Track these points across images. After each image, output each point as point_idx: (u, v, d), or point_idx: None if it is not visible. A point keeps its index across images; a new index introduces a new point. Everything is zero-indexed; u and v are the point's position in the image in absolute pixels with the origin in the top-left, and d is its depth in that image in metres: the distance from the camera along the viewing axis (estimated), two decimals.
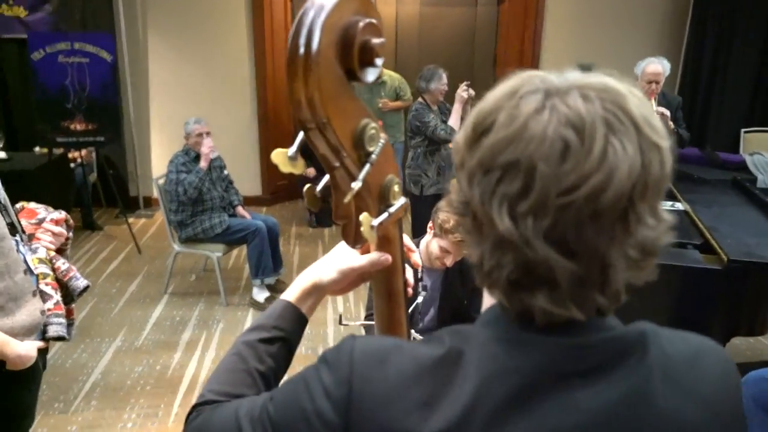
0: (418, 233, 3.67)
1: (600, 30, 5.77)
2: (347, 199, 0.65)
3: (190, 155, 3.87)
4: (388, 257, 0.77)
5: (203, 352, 3.43)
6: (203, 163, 3.82)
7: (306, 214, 5.86)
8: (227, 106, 5.96)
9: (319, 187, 0.70)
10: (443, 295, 2.26)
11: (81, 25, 5.56)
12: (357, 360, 0.59)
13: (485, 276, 0.58)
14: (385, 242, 0.75)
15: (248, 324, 3.76)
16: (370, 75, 0.62)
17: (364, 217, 0.67)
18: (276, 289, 4.12)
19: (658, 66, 3.87)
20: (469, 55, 6.29)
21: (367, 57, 0.60)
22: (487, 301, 0.64)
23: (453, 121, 3.89)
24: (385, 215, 0.69)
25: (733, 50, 5.36)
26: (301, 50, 0.59)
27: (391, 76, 5.48)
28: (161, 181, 3.97)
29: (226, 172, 4.09)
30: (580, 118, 0.52)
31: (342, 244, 0.83)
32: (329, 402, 0.58)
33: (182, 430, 0.71)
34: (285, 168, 0.65)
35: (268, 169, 6.20)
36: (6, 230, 1.66)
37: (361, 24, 0.59)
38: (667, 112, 3.75)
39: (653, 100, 3.83)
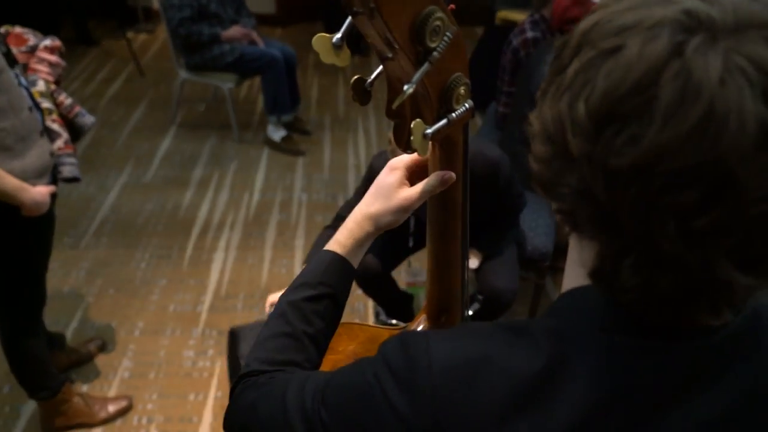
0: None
1: None
2: (395, 104, 0.59)
3: None
4: (452, 176, 0.71)
5: (216, 192, 3.51)
6: (229, 34, 3.64)
7: None
8: None
9: (369, 80, 0.63)
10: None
11: None
12: (439, 381, 0.51)
13: (619, 290, 0.48)
14: (446, 145, 0.70)
15: (263, 164, 3.80)
16: None
17: (416, 124, 0.61)
18: (294, 127, 4.09)
19: None
20: None
21: None
22: (572, 279, 0.56)
23: None
24: (443, 122, 0.63)
25: None
26: None
27: None
28: None
29: None
30: None
31: (392, 165, 0.77)
32: (405, 428, 0.52)
33: (228, 404, 0.71)
34: (327, 58, 0.58)
35: None
36: (4, 62, 1.60)
37: None
38: None
39: None
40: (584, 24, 0.47)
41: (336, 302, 0.77)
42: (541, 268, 2.55)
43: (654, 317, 0.49)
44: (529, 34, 2.88)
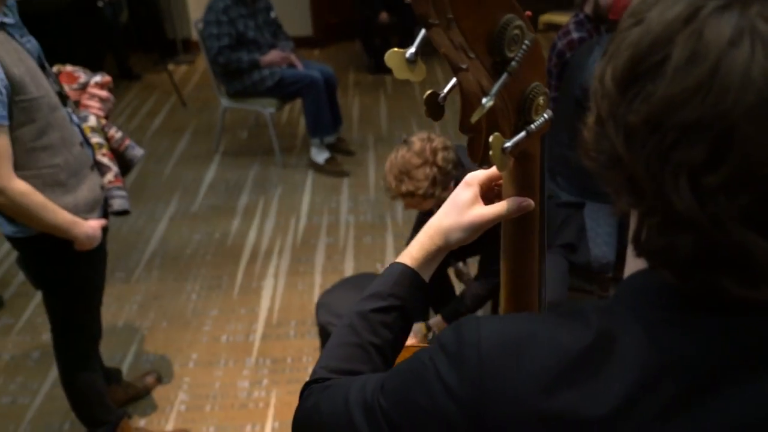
0: None
1: None
2: (474, 118, 0.58)
3: None
4: (531, 204, 0.71)
5: (263, 219, 3.55)
6: (268, 59, 3.71)
7: (365, 57, 5.66)
8: None
9: (443, 93, 0.62)
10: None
11: None
12: (486, 355, 0.54)
13: (649, 254, 0.52)
14: (523, 159, 0.68)
15: (308, 188, 3.83)
16: None
17: (494, 138, 0.59)
18: (337, 148, 4.12)
19: None
20: None
21: None
22: (633, 263, 0.57)
23: None
24: (522, 135, 0.61)
25: None
26: None
27: None
28: (201, 25, 3.85)
29: (273, 14, 3.91)
30: None
31: (467, 180, 0.76)
32: (454, 403, 0.55)
33: (296, 407, 0.72)
34: (402, 74, 0.58)
35: (319, 4, 5.91)
36: (57, 100, 1.67)
37: None
38: None
39: None
40: None
41: (405, 314, 0.78)
42: (603, 280, 2.48)
43: (688, 286, 0.50)
44: (575, 35, 2.83)
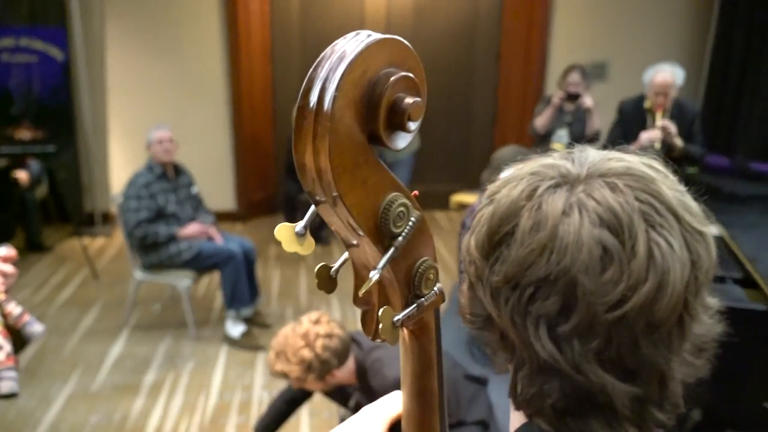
0: None
1: (614, 22, 5.76)
2: (362, 291, 0.58)
3: (155, 172, 3.76)
4: None
5: (169, 398, 3.32)
6: (187, 232, 3.76)
7: None
8: (197, 109, 5.85)
9: (334, 267, 0.62)
10: None
11: (28, 17, 5.42)
12: None
13: (524, 404, 0.57)
14: (417, 333, 0.68)
15: (221, 363, 3.65)
16: (400, 141, 0.55)
17: (384, 311, 0.59)
18: (254, 321, 4.02)
19: (668, 76, 3.82)
20: (469, 51, 6.25)
21: (396, 119, 0.53)
22: (515, 417, 0.61)
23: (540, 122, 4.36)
24: (412, 309, 0.61)
25: (767, 46, 5.35)
26: (311, 107, 0.51)
27: None
28: (121, 199, 3.85)
29: (195, 189, 3.99)
30: (613, 214, 0.52)
31: (377, 415, 0.74)
32: None
33: None
34: (290, 247, 0.58)
35: (244, 180, 6.10)
36: None
37: (392, 79, 0.51)
38: (672, 128, 3.74)
39: (659, 113, 3.84)
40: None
41: None
42: None
43: None
44: None
